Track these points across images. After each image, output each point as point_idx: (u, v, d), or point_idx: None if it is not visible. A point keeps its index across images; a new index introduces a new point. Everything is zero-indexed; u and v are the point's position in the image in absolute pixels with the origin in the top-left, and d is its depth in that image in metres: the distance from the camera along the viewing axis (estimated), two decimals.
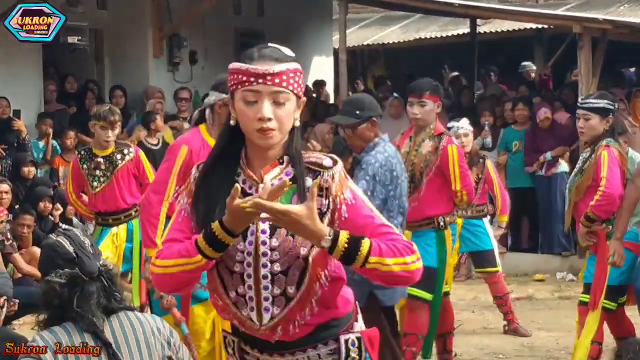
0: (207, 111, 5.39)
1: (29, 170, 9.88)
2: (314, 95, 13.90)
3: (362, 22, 17.45)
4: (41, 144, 10.68)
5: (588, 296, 5.83)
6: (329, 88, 14.96)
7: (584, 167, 5.88)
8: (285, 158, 2.78)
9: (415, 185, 6.05)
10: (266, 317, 2.78)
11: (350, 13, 14.15)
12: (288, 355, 2.84)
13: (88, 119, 7.61)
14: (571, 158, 10.47)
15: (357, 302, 2.96)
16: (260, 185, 2.70)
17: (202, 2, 12.30)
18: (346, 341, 2.83)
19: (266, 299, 2.77)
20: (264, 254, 2.75)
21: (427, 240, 5.96)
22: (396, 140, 6.39)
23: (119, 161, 7.10)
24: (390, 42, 16.67)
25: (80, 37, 11.65)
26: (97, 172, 7.11)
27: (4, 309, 6.82)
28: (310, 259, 2.73)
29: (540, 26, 14.38)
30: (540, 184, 10.86)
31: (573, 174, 6.11)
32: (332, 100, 14.29)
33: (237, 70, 2.73)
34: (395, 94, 12.74)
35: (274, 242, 2.74)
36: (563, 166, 10.68)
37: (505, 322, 8.02)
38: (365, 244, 2.64)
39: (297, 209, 2.60)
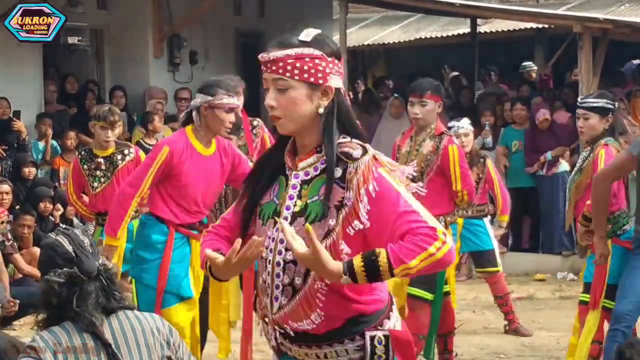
0: (194, 113, 5.44)
1: (30, 171, 9.88)
2: None
3: (362, 22, 17.44)
4: (41, 144, 10.68)
5: (588, 296, 5.82)
6: None
7: (583, 166, 5.88)
8: (323, 147, 2.75)
9: None
10: (275, 305, 2.78)
11: (351, 13, 14.15)
12: (315, 348, 2.80)
13: (88, 120, 7.61)
14: (572, 156, 10.48)
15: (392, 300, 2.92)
16: (293, 173, 2.77)
17: (202, 3, 12.29)
18: (372, 338, 2.77)
19: (277, 287, 2.77)
20: (281, 241, 2.76)
21: None
22: (397, 140, 6.39)
23: (120, 161, 7.11)
24: (391, 42, 16.66)
25: (80, 38, 11.67)
26: (98, 172, 7.11)
27: None
28: None
29: (540, 26, 14.36)
30: (541, 184, 10.85)
31: (573, 172, 6.12)
32: None
33: None
34: (395, 94, 12.74)
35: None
36: (564, 165, 10.67)
37: (506, 322, 8.01)
38: (382, 259, 2.57)
39: (302, 254, 2.59)
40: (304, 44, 2.71)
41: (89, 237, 3.12)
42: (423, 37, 16.22)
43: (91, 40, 12.32)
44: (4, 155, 10.15)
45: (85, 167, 7.14)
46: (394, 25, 17.18)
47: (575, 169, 6.03)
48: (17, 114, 10.58)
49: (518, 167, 10.96)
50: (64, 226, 9.20)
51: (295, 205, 2.76)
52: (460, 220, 7.00)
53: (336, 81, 2.74)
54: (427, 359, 6.20)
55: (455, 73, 15.46)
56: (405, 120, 9.91)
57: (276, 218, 2.77)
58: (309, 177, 2.77)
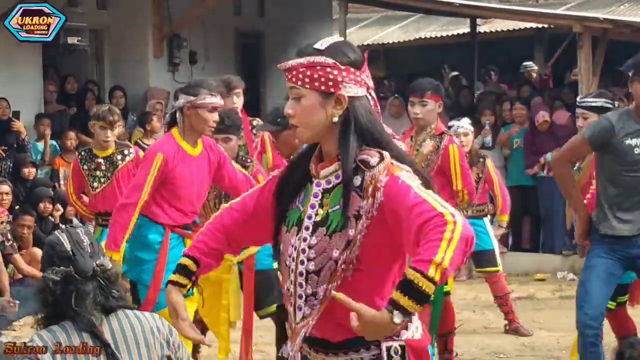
0: (178, 114, 5.45)
1: (29, 171, 9.88)
2: None
3: (362, 22, 17.45)
4: (40, 145, 10.68)
5: None
6: None
7: (581, 165, 5.88)
8: (340, 155, 2.74)
9: None
10: (299, 315, 2.77)
11: (350, 13, 14.15)
12: (332, 355, 2.80)
13: (88, 120, 7.61)
14: None
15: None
16: (315, 181, 2.76)
17: (202, 3, 12.29)
18: (388, 348, 2.74)
19: (300, 296, 2.75)
20: (303, 251, 2.74)
21: None
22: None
23: (120, 162, 7.10)
24: (391, 42, 16.66)
25: (80, 38, 11.66)
26: (98, 172, 7.11)
27: None
28: (340, 262, 2.68)
29: (540, 26, 14.36)
30: (541, 184, 10.85)
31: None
32: None
33: None
34: (395, 94, 12.74)
35: (313, 241, 2.73)
36: None
37: (506, 322, 8.01)
38: (411, 274, 2.46)
39: (354, 325, 2.54)
40: (318, 52, 2.70)
41: (90, 236, 3.12)
42: (423, 37, 16.22)
43: (91, 41, 12.32)
44: (4, 155, 10.16)
45: (85, 167, 7.14)
46: (394, 25, 17.18)
47: (575, 168, 6.03)
48: (16, 114, 10.58)
49: (518, 166, 10.96)
50: (75, 223, 9.24)
51: (316, 215, 2.75)
52: None
53: (352, 90, 2.71)
54: None
55: (455, 73, 15.45)
56: (405, 120, 9.92)
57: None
58: (330, 185, 2.75)
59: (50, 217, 9.44)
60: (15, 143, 10.31)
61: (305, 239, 2.74)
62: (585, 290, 5.31)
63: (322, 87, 2.69)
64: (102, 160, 7.10)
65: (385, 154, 2.70)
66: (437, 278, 2.45)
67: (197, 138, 5.50)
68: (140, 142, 10.28)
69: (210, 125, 5.46)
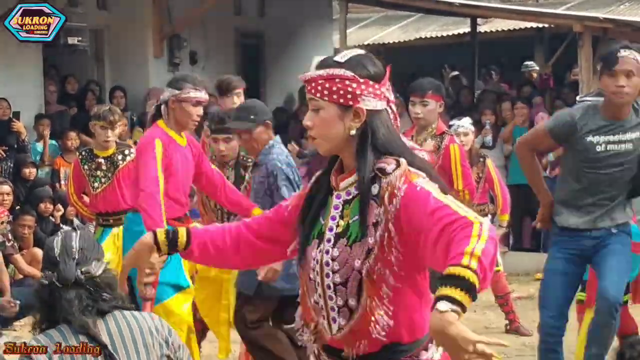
0: (163, 107, 5.49)
1: (30, 172, 9.89)
2: None
3: (362, 22, 17.46)
4: (39, 145, 10.68)
5: (585, 294, 5.81)
6: None
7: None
8: (357, 167, 2.73)
9: None
10: (334, 327, 2.75)
11: (351, 13, 14.16)
12: None
13: (88, 120, 7.60)
14: None
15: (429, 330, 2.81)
16: (335, 193, 2.75)
17: (202, 3, 12.29)
18: None
19: (332, 309, 2.74)
20: (327, 264, 2.72)
21: None
22: None
23: (120, 162, 7.10)
24: (391, 41, 16.67)
25: (80, 38, 11.66)
26: (98, 172, 7.10)
27: None
28: (364, 272, 2.66)
29: (540, 25, 14.37)
30: None
31: None
32: None
33: None
34: (395, 94, 12.73)
35: (335, 252, 2.71)
36: None
37: (507, 322, 8.01)
38: (448, 270, 2.44)
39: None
40: (337, 64, 2.70)
41: (86, 240, 3.10)
42: (423, 37, 16.23)
43: (91, 41, 12.32)
44: (4, 156, 10.16)
45: (86, 167, 7.14)
46: (394, 25, 17.19)
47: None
48: (16, 115, 10.58)
49: (519, 165, 10.94)
50: (76, 224, 9.24)
51: (337, 226, 2.74)
52: None
53: (370, 103, 2.70)
54: None
55: (455, 73, 15.46)
56: (405, 120, 9.90)
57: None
58: (350, 196, 2.75)
59: (50, 218, 9.44)
60: (15, 143, 10.32)
61: (327, 251, 2.72)
62: (545, 293, 5.33)
63: (341, 100, 2.69)
64: (102, 161, 7.10)
65: (402, 160, 2.68)
66: (473, 265, 2.39)
67: (181, 132, 5.54)
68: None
69: (194, 120, 5.50)
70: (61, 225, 9.21)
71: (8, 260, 8.43)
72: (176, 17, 12.46)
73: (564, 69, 14.55)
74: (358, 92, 2.69)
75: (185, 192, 5.59)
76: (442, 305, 2.40)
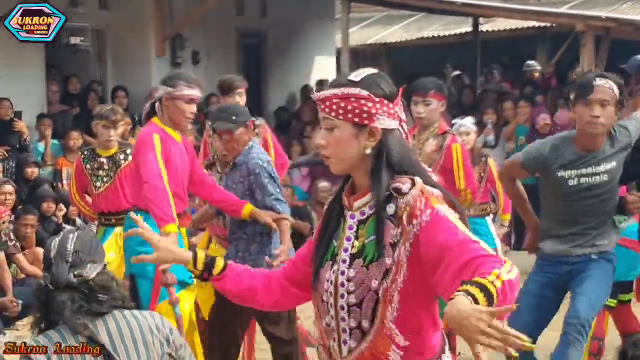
0: (157, 105, 5.52)
1: (32, 171, 9.90)
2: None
3: (364, 22, 17.46)
4: (41, 145, 10.69)
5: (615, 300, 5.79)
6: None
7: None
8: (371, 187, 2.72)
9: None
10: (344, 349, 2.74)
11: (353, 12, 14.16)
12: None
13: (91, 120, 7.61)
14: None
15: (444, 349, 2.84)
16: (348, 213, 2.74)
17: (204, 3, 12.30)
18: None
19: (344, 330, 2.73)
20: (342, 284, 2.71)
21: None
22: None
23: (122, 161, 7.10)
24: (393, 41, 16.68)
25: (82, 38, 11.68)
26: (100, 172, 7.10)
27: None
28: (380, 292, 2.66)
29: (542, 24, 14.36)
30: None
31: None
32: None
33: None
34: None
35: (351, 273, 2.70)
36: None
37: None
38: (472, 280, 2.45)
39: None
40: (352, 83, 2.70)
41: (84, 242, 3.09)
42: (425, 36, 16.23)
43: (93, 41, 12.34)
44: (7, 155, 10.17)
45: (88, 166, 7.14)
46: (396, 25, 17.20)
47: None
48: (18, 115, 10.59)
49: None
50: (79, 224, 9.24)
51: (352, 247, 2.73)
52: None
53: (385, 122, 2.71)
54: None
55: (457, 72, 15.46)
56: (407, 119, 9.89)
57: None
58: (364, 216, 2.73)
59: (53, 217, 9.45)
60: (17, 143, 10.32)
61: (342, 272, 2.71)
62: (513, 314, 5.30)
63: (356, 119, 2.68)
64: (104, 160, 7.10)
65: (417, 179, 2.68)
66: (497, 284, 2.43)
67: (177, 129, 5.55)
68: None
69: (187, 117, 5.50)
70: (63, 224, 9.21)
71: (10, 260, 8.43)
72: (178, 16, 12.46)
73: (566, 68, 14.54)
74: (373, 111, 2.69)
75: (185, 187, 5.59)
76: (459, 295, 2.42)
